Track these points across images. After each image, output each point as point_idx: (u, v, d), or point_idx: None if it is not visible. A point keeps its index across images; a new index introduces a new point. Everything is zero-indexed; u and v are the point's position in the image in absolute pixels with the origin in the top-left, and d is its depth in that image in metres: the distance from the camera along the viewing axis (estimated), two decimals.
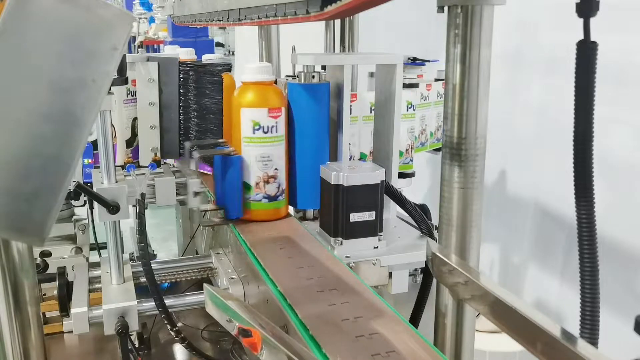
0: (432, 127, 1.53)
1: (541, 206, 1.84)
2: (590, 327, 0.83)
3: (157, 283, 0.97)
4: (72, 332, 0.94)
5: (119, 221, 0.99)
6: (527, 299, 1.88)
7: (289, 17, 0.75)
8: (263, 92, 1.05)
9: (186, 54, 1.30)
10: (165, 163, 1.18)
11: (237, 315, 0.65)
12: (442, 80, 1.48)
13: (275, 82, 1.13)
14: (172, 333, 0.95)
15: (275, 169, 1.07)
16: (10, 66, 0.64)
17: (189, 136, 1.20)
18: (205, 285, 0.73)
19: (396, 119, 1.12)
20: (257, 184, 1.07)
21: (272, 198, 1.09)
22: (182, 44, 1.50)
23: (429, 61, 1.56)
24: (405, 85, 1.33)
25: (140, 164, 1.17)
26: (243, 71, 1.05)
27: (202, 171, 1.23)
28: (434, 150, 1.56)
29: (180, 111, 1.19)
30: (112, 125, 0.98)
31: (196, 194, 1.08)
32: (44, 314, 1.13)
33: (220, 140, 1.13)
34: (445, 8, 0.74)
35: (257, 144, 1.05)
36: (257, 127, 1.05)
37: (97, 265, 1.07)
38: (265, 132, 1.06)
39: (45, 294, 1.09)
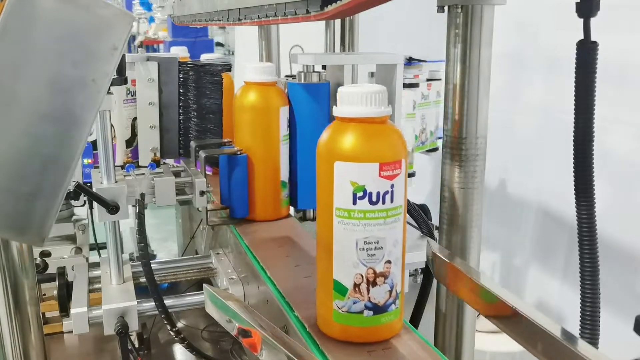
0: (432, 126, 1.54)
1: (543, 206, 1.83)
2: (590, 327, 0.83)
3: (156, 283, 0.97)
4: (72, 332, 0.94)
5: (118, 221, 0.99)
6: (529, 299, 1.88)
7: (289, 17, 0.75)
8: (373, 135, 0.64)
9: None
10: (164, 163, 1.18)
11: (236, 316, 0.65)
12: (432, 80, 1.49)
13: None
14: (172, 333, 0.95)
15: (388, 261, 0.66)
16: (10, 66, 0.64)
17: (188, 136, 1.20)
18: (205, 285, 0.73)
19: (396, 119, 1.12)
20: (357, 285, 0.66)
21: (379, 309, 0.67)
22: (182, 44, 1.50)
23: (424, 61, 1.56)
24: (406, 85, 1.33)
25: (140, 164, 1.17)
26: (340, 99, 0.65)
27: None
28: (426, 151, 1.56)
29: (180, 111, 1.19)
30: (112, 125, 0.98)
31: (202, 193, 1.06)
32: (43, 314, 1.13)
33: (225, 140, 1.13)
34: (446, 8, 0.74)
35: (360, 220, 0.65)
36: (360, 193, 0.64)
37: (97, 265, 1.07)
38: (374, 203, 0.64)
39: (45, 294, 1.09)
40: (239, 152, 1.05)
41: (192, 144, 1.11)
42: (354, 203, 0.63)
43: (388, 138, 0.64)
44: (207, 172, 1.08)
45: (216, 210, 1.07)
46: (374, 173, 0.63)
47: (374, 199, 0.63)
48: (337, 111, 0.65)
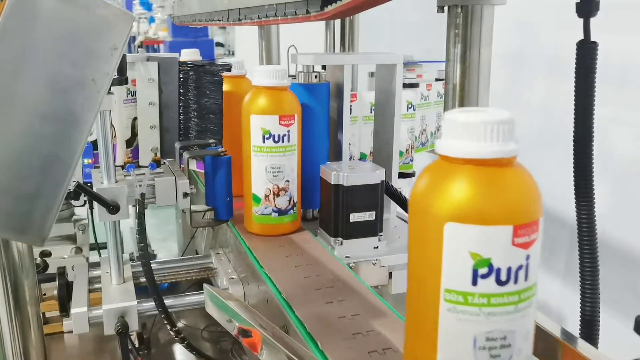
0: (432, 127, 1.54)
1: (544, 207, 1.84)
2: (590, 327, 0.83)
3: (156, 283, 0.97)
4: (72, 332, 0.94)
5: (118, 221, 0.99)
6: None
7: (289, 17, 0.75)
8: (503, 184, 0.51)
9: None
10: (164, 163, 1.18)
11: (237, 316, 0.65)
12: (441, 80, 1.49)
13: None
14: (172, 333, 0.95)
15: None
16: (10, 66, 0.64)
17: (188, 136, 1.20)
18: (205, 285, 0.73)
19: (396, 119, 1.12)
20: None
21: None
22: (182, 44, 1.49)
23: (417, 62, 1.57)
24: (406, 85, 1.33)
25: (140, 164, 1.17)
26: (447, 129, 0.46)
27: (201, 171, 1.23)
28: (433, 150, 1.56)
29: (180, 111, 1.19)
30: (112, 125, 0.98)
31: (185, 194, 1.04)
32: (44, 314, 1.13)
33: (210, 141, 1.12)
34: (445, 8, 0.74)
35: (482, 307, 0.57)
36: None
37: (97, 265, 1.07)
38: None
39: (45, 294, 1.09)
40: (222, 153, 1.03)
41: (177, 145, 1.10)
42: (474, 283, 0.45)
43: (522, 188, 0.46)
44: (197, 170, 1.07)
45: (202, 212, 1.06)
46: (505, 240, 0.44)
47: (504, 277, 0.45)
48: (443, 147, 0.46)
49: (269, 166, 1.00)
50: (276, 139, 0.99)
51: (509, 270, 0.44)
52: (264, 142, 0.99)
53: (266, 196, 1.01)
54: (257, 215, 1.03)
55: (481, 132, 0.44)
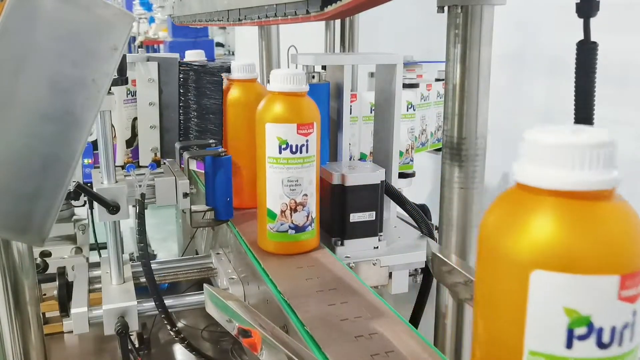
0: (432, 127, 1.54)
1: None
2: None
3: (156, 283, 0.97)
4: (72, 332, 0.94)
5: (119, 221, 0.99)
6: None
7: (289, 17, 0.75)
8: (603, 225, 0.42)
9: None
10: (164, 163, 1.18)
11: (237, 316, 0.65)
12: (441, 80, 1.49)
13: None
14: (172, 333, 0.95)
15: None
16: (10, 66, 0.64)
17: (189, 136, 1.20)
18: (205, 285, 0.73)
19: (396, 119, 1.12)
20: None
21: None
22: (182, 44, 1.49)
23: (417, 62, 1.57)
24: (405, 85, 1.33)
25: (140, 164, 1.17)
26: (528, 152, 0.38)
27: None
28: (435, 150, 1.56)
29: (180, 111, 1.19)
30: (112, 125, 0.98)
31: (185, 195, 1.04)
32: (44, 314, 1.13)
33: (210, 141, 1.12)
34: (445, 8, 0.74)
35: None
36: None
37: (97, 265, 1.07)
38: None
39: (45, 294, 1.09)
40: (222, 153, 1.02)
41: (177, 145, 1.10)
42: (569, 346, 0.36)
43: (629, 227, 0.37)
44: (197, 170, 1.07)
45: (202, 212, 1.05)
46: (610, 293, 0.35)
47: (606, 338, 0.36)
48: (525, 175, 0.37)
49: (285, 179, 0.91)
50: (294, 150, 0.90)
51: (613, 330, 0.36)
52: (280, 152, 0.90)
53: (282, 212, 0.92)
54: (272, 232, 0.93)
55: (576, 157, 0.35)
